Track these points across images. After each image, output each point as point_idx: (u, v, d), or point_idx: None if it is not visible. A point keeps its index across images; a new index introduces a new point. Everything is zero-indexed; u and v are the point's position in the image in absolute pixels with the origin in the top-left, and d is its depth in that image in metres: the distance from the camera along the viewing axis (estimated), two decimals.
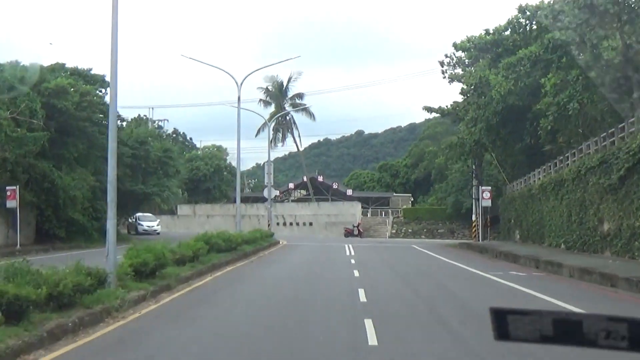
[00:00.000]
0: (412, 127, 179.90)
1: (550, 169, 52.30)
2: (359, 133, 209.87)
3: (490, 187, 63.85)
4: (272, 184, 70.89)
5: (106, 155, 22.15)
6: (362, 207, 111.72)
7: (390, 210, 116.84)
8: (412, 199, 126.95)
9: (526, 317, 2.72)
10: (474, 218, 76.74)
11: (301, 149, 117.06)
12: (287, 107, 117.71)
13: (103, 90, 65.85)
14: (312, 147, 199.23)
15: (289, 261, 42.52)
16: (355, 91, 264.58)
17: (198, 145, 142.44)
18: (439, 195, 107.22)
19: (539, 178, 55.11)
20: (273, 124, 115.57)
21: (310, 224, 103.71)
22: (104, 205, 63.98)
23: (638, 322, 2.62)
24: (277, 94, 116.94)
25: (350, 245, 60.87)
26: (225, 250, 38.84)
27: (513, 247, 50.76)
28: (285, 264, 39.83)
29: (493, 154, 70.91)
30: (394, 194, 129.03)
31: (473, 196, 77.27)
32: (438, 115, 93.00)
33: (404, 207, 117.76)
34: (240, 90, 56.52)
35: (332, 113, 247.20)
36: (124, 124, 76.19)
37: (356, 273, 32.15)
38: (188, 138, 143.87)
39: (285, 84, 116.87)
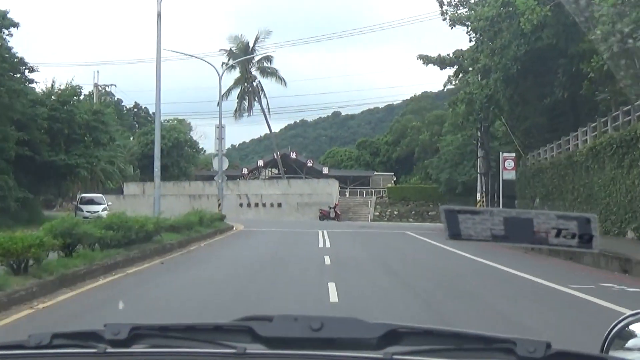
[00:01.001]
0: (390, 109, 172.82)
1: (607, 124, 36.97)
2: (336, 114, 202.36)
3: (514, 154, 48.02)
4: (224, 152, 55.10)
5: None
6: (339, 186, 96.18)
7: (372, 191, 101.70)
8: (395, 179, 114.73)
9: (477, 216, 2.77)
10: (479, 197, 61.39)
11: (270, 119, 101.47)
12: (254, 72, 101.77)
13: (5, 31, 50.67)
14: (288, 128, 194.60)
15: (224, 262, 26.96)
16: (332, 72, 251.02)
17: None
18: (430, 171, 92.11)
19: (585, 140, 39.81)
20: (238, 91, 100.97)
21: (280, 205, 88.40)
22: (7, 179, 48.48)
23: (586, 219, 2.71)
24: (243, 56, 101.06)
25: (325, 233, 46.09)
26: (121, 244, 23.18)
27: None
28: (212, 269, 24.04)
29: (503, 118, 55.51)
30: (375, 173, 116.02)
31: (478, 170, 62.02)
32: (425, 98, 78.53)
33: (389, 185, 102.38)
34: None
35: (309, 94, 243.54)
36: (41, 85, 60.39)
37: (333, 293, 16.92)
38: (151, 113, 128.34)
39: (251, 45, 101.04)
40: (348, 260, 26.12)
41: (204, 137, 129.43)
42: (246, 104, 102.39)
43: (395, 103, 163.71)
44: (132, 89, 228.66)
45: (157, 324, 2.58)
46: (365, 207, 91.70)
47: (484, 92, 49.96)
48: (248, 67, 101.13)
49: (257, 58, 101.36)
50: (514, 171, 45.64)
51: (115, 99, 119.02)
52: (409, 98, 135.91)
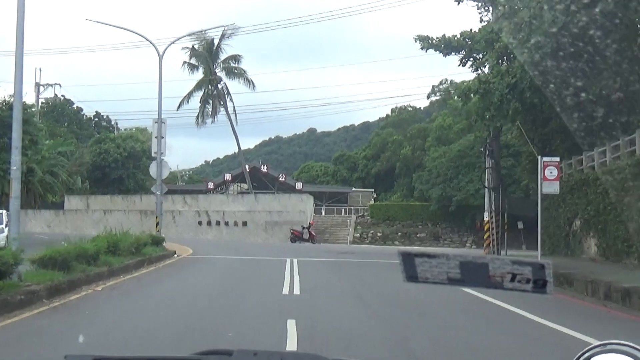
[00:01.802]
0: (365, 126, 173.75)
1: None
2: (312, 131, 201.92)
3: (558, 159, 34.95)
4: (164, 154, 42.38)
5: None
6: (315, 204, 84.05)
7: (352, 208, 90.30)
8: (375, 195, 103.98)
9: (434, 260, 2.87)
10: (486, 217, 48.95)
11: (236, 126, 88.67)
12: (220, 73, 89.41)
13: None
14: (263, 144, 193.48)
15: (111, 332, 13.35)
16: (307, 89, 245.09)
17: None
18: (419, 186, 79.76)
19: None
20: (201, 94, 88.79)
21: (245, 223, 76.04)
22: None
23: (541, 265, 2.81)
24: (206, 55, 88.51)
25: (295, 263, 34.03)
26: None
27: None
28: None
29: (519, 117, 42.97)
30: (353, 189, 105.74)
31: (486, 183, 49.66)
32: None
33: (371, 203, 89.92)
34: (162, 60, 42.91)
35: (284, 110, 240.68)
36: None
37: None
38: (113, 122, 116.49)
39: (216, 43, 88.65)
40: (332, 336, 13.31)
41: (169, 150, 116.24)
42: (209, 109, 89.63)
43: (371, 120, 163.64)
44: (94, 99, 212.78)
45: (118, 355, 2.85)
46: (344, 227, 79.19)
47: (505, 81, 37.36)
48: (212, 67, 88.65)
49: (222, 57, 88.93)
50: (557, 182, 32.63)
51: (61, 99, 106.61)
52: (385, 115, 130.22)
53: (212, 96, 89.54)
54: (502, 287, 2.78)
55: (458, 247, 73.01)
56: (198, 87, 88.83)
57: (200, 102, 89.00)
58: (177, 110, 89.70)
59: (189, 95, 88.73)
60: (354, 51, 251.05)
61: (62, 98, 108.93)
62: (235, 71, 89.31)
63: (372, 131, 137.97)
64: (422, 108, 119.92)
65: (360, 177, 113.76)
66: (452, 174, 72.73)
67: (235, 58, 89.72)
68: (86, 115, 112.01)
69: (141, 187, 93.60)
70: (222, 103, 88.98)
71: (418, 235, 76.04)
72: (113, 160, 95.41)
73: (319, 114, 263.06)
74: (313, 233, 72.73)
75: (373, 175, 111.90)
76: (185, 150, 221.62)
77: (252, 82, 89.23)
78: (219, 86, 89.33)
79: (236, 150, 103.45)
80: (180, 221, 76.22)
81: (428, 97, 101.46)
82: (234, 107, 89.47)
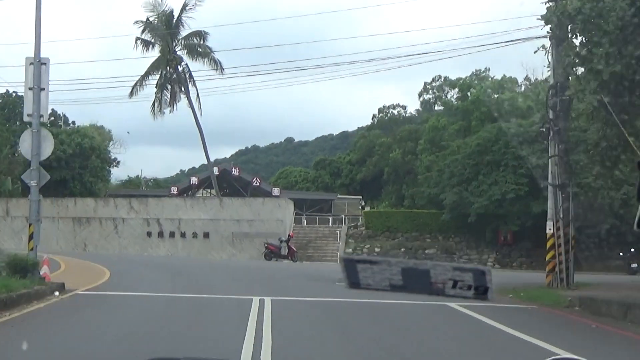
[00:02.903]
0: (344, 136, 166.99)
1: None
2: (289, 140, 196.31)
3: None
4: (43, 118, 25.06)
5: None
6: (294, 212, 67.22)
7: (343, 218, 74.63)
8: (363, 203, 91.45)
9: (375, 266, 2.88)
10: (549, 229, 32.15)
11: (200, 115, 71.67)
12: (180, 52, 72.71)
13: None
14: (240, 153, 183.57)
15: None
16: (284, 98, 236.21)
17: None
18: (426, 190, 63.64)
19: None
20: (157, 79, 72.24)
21: (206, 235, 59.72)
22: None
23: (482, 271, 2.85)
24: (164, 30, 71.64)
25: (267, 311, 18.03)
26: None
27: None
28: None
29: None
30: (338, 196, 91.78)
31: (550, 179, 32.77)
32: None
33: (366, 210, 73.27)
34: None
35: (261, 119, 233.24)
36: None
37: None
38: (71, 122, 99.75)
39: (176, 15, 71.99)
40: None
41: (123, 147, 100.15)
42: (168, 96, 72.71)
43: (350, 130, 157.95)
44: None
45: None
46: (332, 240, 62.68)
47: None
48: (172, 45, 71.75)
49: (184, 33, 72.21)
50: None
51: (13, 96, 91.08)
52: (367, 125, 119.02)
53: (171, 80, 72.51)
54: (443, 294, 2.74)
55: (478, 262, 56.43)
56: (154, 68, 71.86)
57: (156, 86, 71.98)
58: (130, 97, 72.45)
59: (144, 78, 71.67)
60: (333, 59, 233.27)
61: (14, 95, 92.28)
62: (199, 49, 72.24)
63: (350, 141, 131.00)
64: (409, 112, 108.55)
65: (344, 183, 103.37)
66: (470, 174, 56.56)
67: (200, 35, 72.92)
68: (42, 115, 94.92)
69: (89, 192, 76.65)
70: (182, 89, 71.91)
71: (426, 251, 59.90)
72: (55, 158, 78.06)
73: (296, 122, 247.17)
74: (293, 248, 56.36)
75: (358, 182, 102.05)
76: (161, 159, 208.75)
77: (219, 63, 72.31)
78: (180, 68, 72.28)
79: (214, 157, 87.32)
80: (125, 232, 59.34)
81: (420, 95, 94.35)
82: (197, 94, 72.62)
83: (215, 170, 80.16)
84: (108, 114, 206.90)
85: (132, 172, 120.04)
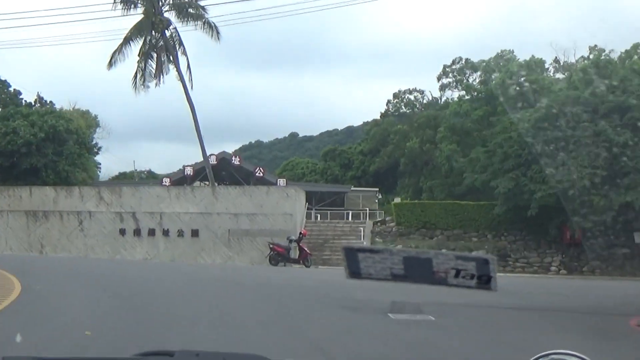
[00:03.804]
0: (349, 131, 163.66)
1: None
2: (293, 135, 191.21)
3: None
4: None
5: None
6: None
7: (367, 212, 65.52)
8: (380, 196, 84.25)
9: (377, 255, 2.92)
10: None
11: (190, 88, 58.90)
12: (168, 14, 60.36)
13: None
14: (243, 149, 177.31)
15: None
16: (288, 93, 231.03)
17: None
18: (469, 176, 51.38)
19: None
20: (140, 44, 59.81)
21: (196, 232, 46.90)
22: None
23: (485, 260, 2.90)
24: None
25: None
26: None
27: None
28: None
29: None
30: (352, 188, 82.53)
31: None
32: None
33: (397, 201, 60.30)
34: None
35: (264, 114, 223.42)
36: None
37: None
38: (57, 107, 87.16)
39: None
40: None
41: (107, 133, 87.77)
42: (154, 65, 60.01)
43: (355, 125, 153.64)
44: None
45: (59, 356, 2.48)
46: (354, 239, 49.63)
47: None
48: (157, 4, 59.13)
49: None
50: None
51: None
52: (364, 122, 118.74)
53: (157, 47, 59.72)
54: (446, 284, 2.72)
55: (536, 273, 45.22)
56: (137, 32, 59.10)
57: (139, 55, 59.26)
58: (109, 68, 59.71)
59: (125, 43, 58.87)
60: (337, 54, 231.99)
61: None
62: (191, 11, 59.38)
63: (356, 135, 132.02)
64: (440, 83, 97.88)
65: (356, 175, 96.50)
66: (529, 155, 43.75)
67: None
68: (26, 101, 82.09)
69: (65, 182, 63.93)
70: (171, 58, 59.10)
71: (473, 252, 46.04)
72: (24, 143, 65.73)
73: (300, 117, 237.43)
74: (306, 249, 43.69)
75: (371, 174, 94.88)
76: (165, 155, 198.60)
77: (215, 28, 59.38)
78: (167, 33, 59.50)
79: (217, 152, 74.81)
80: (92, 229, 46.63)
81: (438, 79, 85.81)
82: (188, 64, 59.86)
83: (213, 160, 67.82)
84: (106, 108, 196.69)
85: (129, 167, 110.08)
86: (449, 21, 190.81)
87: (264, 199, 47.20)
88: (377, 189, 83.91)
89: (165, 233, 46.57)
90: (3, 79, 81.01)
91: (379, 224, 53.63)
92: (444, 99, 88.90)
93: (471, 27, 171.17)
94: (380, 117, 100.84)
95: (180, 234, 46.60)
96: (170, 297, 19.88)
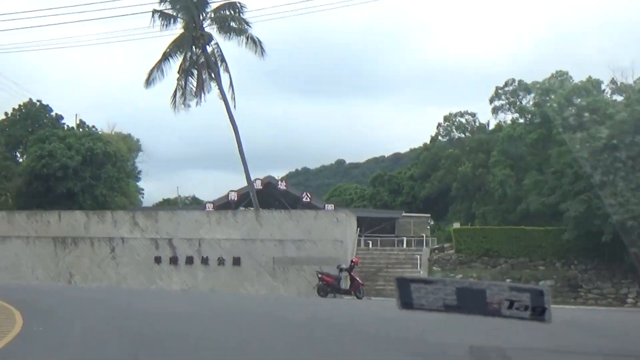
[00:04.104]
0: (396, 158, 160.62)
1: None
2: (340, 162, 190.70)
3: None
4: None
5: None
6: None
7: (424, 238, 60.40)
8: (432, 222, 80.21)
9: (429, 286, 2.95)
10: None
11: (233, 107, 55.53)
12: (209, 28, 58.09)
13: None
14: (290, 176, 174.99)
15: None
16: (334, 120, 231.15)
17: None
18: (537, 199, 47.33)
19: None
20: (179, 61, 56.54)
21: (237, 261, 43.13)
22: None
23: (539, 291, 2.84)
24: (187, 3, 56.25)
25: None
26: None
27: None
28: None
29: None
30: (403, 214, 78.82)
31: None
32: None
33: (455, 227, 56.19)
34: None
35: (311, 141, 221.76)
36: None
37: None
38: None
39: None
40: None
41: (147, 156, 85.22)
42: (194, 83, 56.82)
43: (402, 152, 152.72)
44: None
45: None
46: (410, 268, 45.70)
47: None
48: (198, 19, 55.91)
49: (214, 4, 56.80)
50: None
51: (37, 105, 78.32)
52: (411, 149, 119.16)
53: (198, 64, 56.43)
54: (499, 314, 2.71)
55: (611, 306, 41.02)
56: (176, 48, 55.90)
57: (179, 72, 56.06)
58: (146, 86, 56.55)
59: (163, 60, 55.67)
60: (383, 81, 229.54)
61: (38, 104, 76.89)
62: (233, 25, 56.03)
63: (402, 162, 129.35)
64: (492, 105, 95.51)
65: (405, 201, 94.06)
66: (605, 171, 39.63)
67: (234, 7, 56.57)
68: (68, 125, 79.01)
69: (102, 206, 60.85)
70: (212, 75, 55.79)
71: (540, 282, 42.27)
72: (60, 166, 62.78)
73: (347, 144, 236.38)
74: (358, 279, 39.95)
75: (421, 199, 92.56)
76: (210, 181, 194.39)
77: (260, 43, 55.92)
78: (208, 48, 56.19)
79: (263, 177, 71.31)
80: (125, 255, 42.94)
81: (491, 101, 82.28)
82: (230, 82, 56.59)
83: (258, 184, 64.44)
84: (147, 131, 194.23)
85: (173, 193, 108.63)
86: (501, 43, 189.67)
87: (312, 224, 43.17)
88: (429, 215, 79.90)
89: (205, 261, 42.67)
90: (45, 103, 78.26)
91: (436, 251, 49.53)
92: (496, 122, 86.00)
93: (524, 48, 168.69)
94: (431, 141, 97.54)
95: (221, 262, 42.68)
96: (206, 339, 16.04)
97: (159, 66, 56.16)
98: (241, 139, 55.73)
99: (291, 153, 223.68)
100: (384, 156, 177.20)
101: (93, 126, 75.74)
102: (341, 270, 39.64)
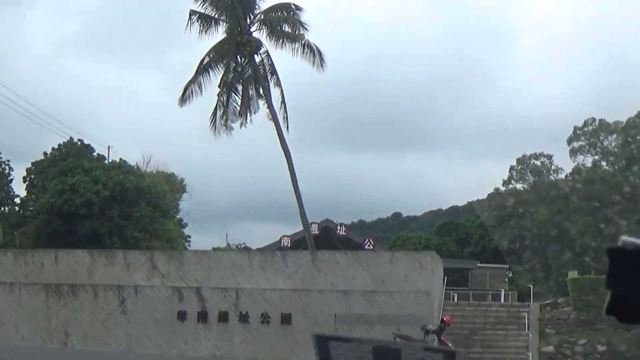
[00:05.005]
0: (454, 210, 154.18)
1: None
2: (397, 215, 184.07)
3: None
4: None
5: None
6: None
7: (503, 294, 54.67)
8: (510, 274, 75.18)
9: (347, 344, 2.88)
10: None
11: (283, 126, 45.33)
12: (257, 33, 48.27)
13: None
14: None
15: None
16: (391, 172, 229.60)
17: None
18: None
19: None
20: (221, 73, 46.92)
21: (287, 319, 31.84)
22: None
23: (452, 352, 2.97)
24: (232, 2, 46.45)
25: None
26: None
27: None
28: None
29: None
30: (478, 264, 74.13)
31: None
32: None
33: (573, 276, 45.39)
34: None
35: (367, 194, 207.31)
36: None
37: None
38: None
39: None
40: None
41: (189, 193, 76.29)
42: (238, 101, 46.85)
43: (460, 205, 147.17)
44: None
45: None
46: (515, 330, 34.64)
47: None
48: (244, 21, 46.09)
49: (263, 5, 47.19)
50: None
51: (77, 144, 69.87)
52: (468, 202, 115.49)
53: (244, 78, 46.54)
54: None
55: None
56: (217, 57, 46.10)
57: (220, 85, 46.11)
58: (181, 104, 46.63)
59: (202, 72, 45.80)
60: (441, 134, 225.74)
61: (79, 143, 68.22)
62: (287, 29, 46.05)
63: (461, 215, 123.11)
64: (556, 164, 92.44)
65: (474, 252, 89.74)
66: None
67: (287, 8, 46.59)
68: (110, 161, 70.78)
69: (132, 248, 50.85)
70: (261, 90, 45.83)
71: None
72: (84, 202, 53.51)
73: (403, 197, 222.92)
74: (450, 345, 28.81)
75: (492, 250, 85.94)
76: (267, 232, 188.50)
77: (319, 53, 45.86)
78: (257, 58, 46.30)
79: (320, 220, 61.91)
80: (139, 310, 32.43)
81: (569, 142, 78.99)
82: (282, 99, 46.68)
83: (314, 229, 55.39)
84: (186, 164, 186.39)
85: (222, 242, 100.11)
86: (576, 80, 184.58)
87: (386, 270, 32.32)
88: (507, 266, 73.58)
89: (244, 318, 31.98)
90: (86, 142, 69.36)
91: (547, 307, 38.28)
92: (574, 164, 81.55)
93: (604, 85, 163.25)
94: (503, 184, 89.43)
95: (266, 319, 31.95)
96: None
97: (195, 79, 46.18)
98: (293, 164, 45.62)
99: (346, 204, 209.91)
100: (442, 209, 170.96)
101: (121, 158, 65.87)
102: (427, 332, 28.89)
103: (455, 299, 45.47)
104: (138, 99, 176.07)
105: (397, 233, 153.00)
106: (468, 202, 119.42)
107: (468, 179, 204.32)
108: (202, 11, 46.85)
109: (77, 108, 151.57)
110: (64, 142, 68.01)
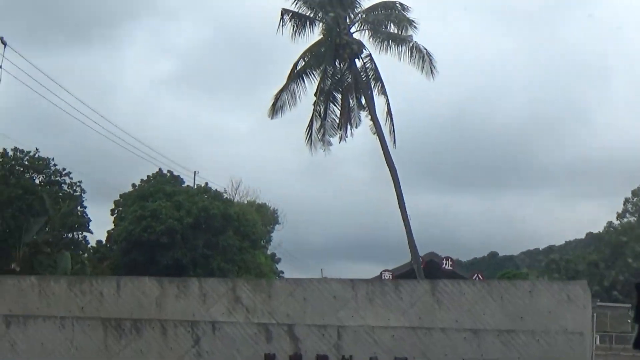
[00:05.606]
0: (549, 250, 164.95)
1: None
2: (493, 254, 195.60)
3: None
4: None
5: None
6: None
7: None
8: (632, 314, 63.71)
9: None
10: None
11: (390, 143, 39.36)
12: (357, 34, 41.81)
13: None
14: None
15: None
16: (486, 212, 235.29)
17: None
18: None
19: None
20: (317, 80, 40.80)
21: None
22: None
23: None
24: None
25: None
26: None
27: None
28: None
29: None
30: (599, 302, 63.97)
31: None
32: None
33: None
34: None
35: (463, 233, 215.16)
36: None
37: None
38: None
39: None
40: None
41: (282, 223, 71.75)
42: (337, 112, 40.90)
43: (557, 244, 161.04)
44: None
45: None
46: None
47: None
48: (344, 20, 40.17)
49: (365, 4, 41.64)
50: None
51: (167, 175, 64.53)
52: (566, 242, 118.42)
53: (343, 85, 40.67)
54: None
55: None
56: (314, 61, 40.29)
57: (316, 94, 40.38)
58: (272, 116, 40.92)
59: (295, 78, 40.09)
60: (537, 173, 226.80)
61: (168, 175, 64.04)
62: (392, 30, 40.21)
63: (557, 255, 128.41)
64: None
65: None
66: None
67: (392, 7, 40.60)
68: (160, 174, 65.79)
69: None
70: (363, 99, 40.03)
71: None
72: (165, 230, 48.24)
73: (499, 236, 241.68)
74: None
75: (606, 287, 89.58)
76: (363, 273, 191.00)
77: (429, 56, 39.73)
78: (358, 62, 40.38)
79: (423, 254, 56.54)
80: (217, 352, 25.90)
81: None
82: (388, 109, 40.68)
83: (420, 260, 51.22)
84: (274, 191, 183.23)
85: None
86: None
87: (525, 303, 25.24)
88: (630, 306, 66.18)
89: None
90: (176, 174, 65.00)
91: None
92: None
93: None
94: (617, 217, 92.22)
95: None
96: None
97: (287, 87, 40.29)
98: (402, 189, 39.14)
99: (442, 242, 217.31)
100: (538, 249, 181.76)
101: (206, 183, 60.66)
102: None
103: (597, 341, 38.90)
104: (232, 136, 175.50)
105: (492, 272, 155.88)
106: (565, 241, 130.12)
107: (564, 218, 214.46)
108: (296, 10, 41.43)
109: (171, 146, 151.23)
110: (153, 174, 63.67)
